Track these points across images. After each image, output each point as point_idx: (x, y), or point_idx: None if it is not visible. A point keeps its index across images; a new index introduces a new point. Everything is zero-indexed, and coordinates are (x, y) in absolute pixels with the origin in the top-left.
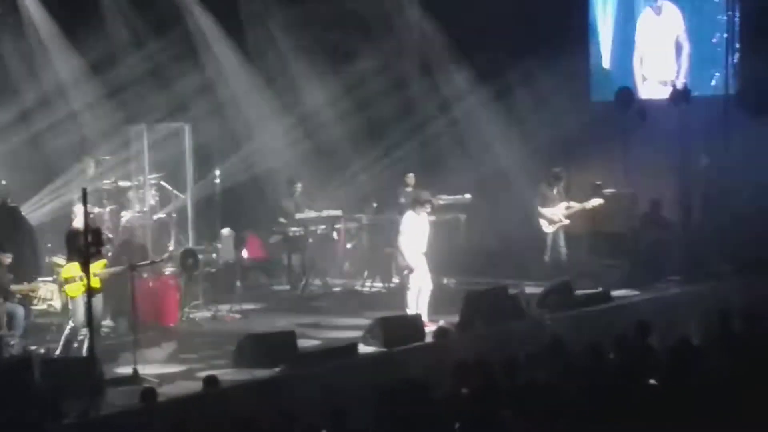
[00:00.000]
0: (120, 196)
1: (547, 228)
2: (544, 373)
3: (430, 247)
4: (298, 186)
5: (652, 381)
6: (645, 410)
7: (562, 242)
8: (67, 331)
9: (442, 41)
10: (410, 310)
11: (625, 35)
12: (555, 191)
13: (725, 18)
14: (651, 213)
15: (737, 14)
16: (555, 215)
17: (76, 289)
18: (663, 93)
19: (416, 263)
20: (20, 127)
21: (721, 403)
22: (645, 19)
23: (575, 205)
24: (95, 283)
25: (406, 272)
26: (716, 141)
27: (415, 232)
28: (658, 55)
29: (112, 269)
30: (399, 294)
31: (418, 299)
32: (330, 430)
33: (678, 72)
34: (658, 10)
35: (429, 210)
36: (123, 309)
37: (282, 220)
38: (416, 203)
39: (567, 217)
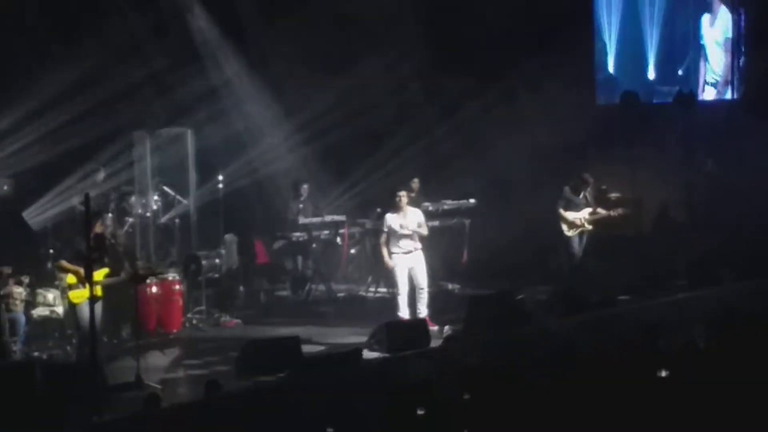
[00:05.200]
0: (122, 201)
1: (568, 232)
2: (550, 378)
3: (434, 250)
4: (305, 187)
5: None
6: (655, 408)
7: (577, 247)
8: (77, 341)
9: (444, 44)
10: (402, 314)
11: (630, 40)
12: (581, 196)
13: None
14: (660, 217)
15: (743, 18)
16: (578, 220)
17: (80, 296)
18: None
19: (396, 264)
20: (22, 132)
21: (725, 404)
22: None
23: (602, 212)
24: (97, 290)
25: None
26: (722, 145)
27: (393, 232)
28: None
29: (114, 278)
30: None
31: (416, 299)
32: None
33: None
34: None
35: (401, 205)
36: (126, 315)
37: (290, 218)
38: (391, 201)
39: (590, 222)
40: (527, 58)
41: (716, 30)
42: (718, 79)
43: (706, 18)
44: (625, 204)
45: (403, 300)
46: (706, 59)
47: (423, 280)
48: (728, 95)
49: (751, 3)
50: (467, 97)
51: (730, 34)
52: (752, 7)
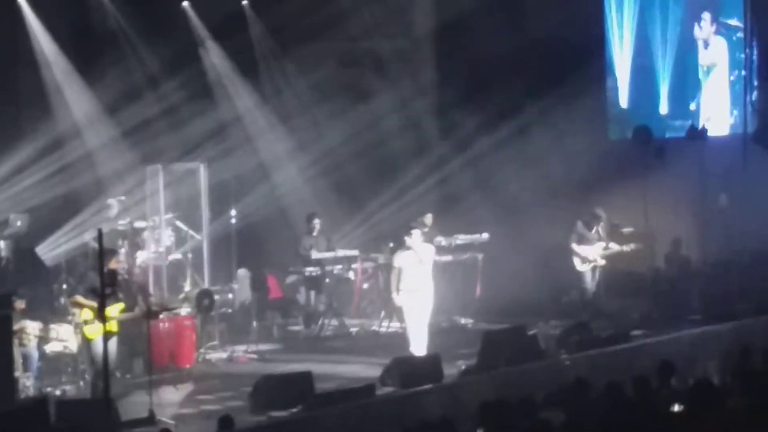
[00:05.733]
0: (135, 236)
1: (581, 266)
2: (563, 413)
3: (446, 286)
4: (317, 222)
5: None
6: None
7: (590, 282)
8: (91, 376)
9: (457, 80)
10: (413, 349)
11: (642, 75)
12: (593, 231)
13: (742, 56)
14: (672, 252)
15: (755, 51)
16: (590, 255)
17: (95, 332)
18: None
19: (403, 301)
20: (36, 167)
21: None
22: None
23: (614, 247)
24: (112, 326)
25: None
26: (735, 179)
27: (403, 269)
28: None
29: (129, 314)
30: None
31: (415, 337)
32: None
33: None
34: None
35: (413, 240)
36: (138, 350)
37: (303, 253)
38: (404, 238)
39: (604, 257)
40: (540, 95)
41: (709, 60)
42: (710, 114)
43: (701, 51)
44: (637, 239)
45: (412, 335)
46: (700, 92)
47: (422, 321)
48: (725, 127)
49: (762, 38)
50: (481, 132)
51: (724, 63)
52: (764, 41)
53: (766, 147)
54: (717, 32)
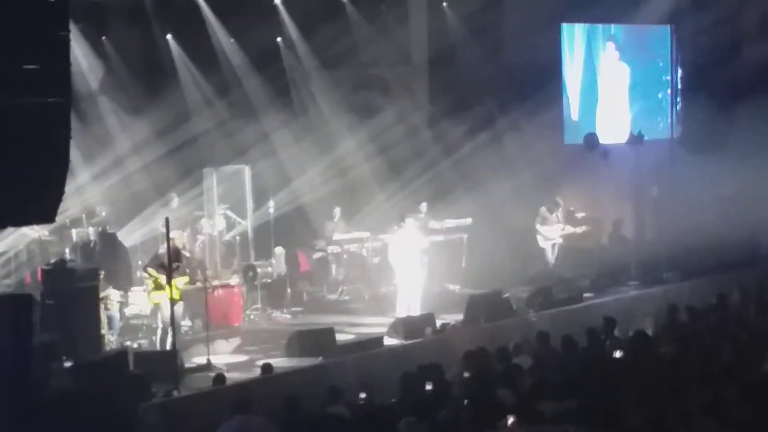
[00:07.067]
0: (195, 223)
1: (543, 243)
2: (530, 359)
3: (439, 259)
4: (337, 211)
5: (617, 354)
6: (611, 383)
7: (550, 256)
8: (160, 332)
9: (446, 98)
10: (399, 310)
11: (589, 93)
12: (554, 215)
13: (668, 78)
14: (614, 232)
15: (678, 75)
16: (551, 234)
17: (160, 298)
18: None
19: (398, 269)
20: (116, 170)
21: (669, 382)
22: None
23: (569, 229)
24: (177, 294)
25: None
26: (664, 175)
27: (399, 247)
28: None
29: (190, 286)
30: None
31: (410, 299)
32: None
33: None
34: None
35: (403, 225)
36: (198, 312)
37: (326, 235)
38: (399, 221)
39: (561, 236)
40: (511, 109)
41: (616, 81)
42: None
43: (605, 73)
44: (587, 222)
45: (401, 300)
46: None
47: (417, 287)
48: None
49: (684, 64)
50: (465, 139)
51: (626, 84)
52: (685, 67)
53: (688, 149)
54: (620, 59)
